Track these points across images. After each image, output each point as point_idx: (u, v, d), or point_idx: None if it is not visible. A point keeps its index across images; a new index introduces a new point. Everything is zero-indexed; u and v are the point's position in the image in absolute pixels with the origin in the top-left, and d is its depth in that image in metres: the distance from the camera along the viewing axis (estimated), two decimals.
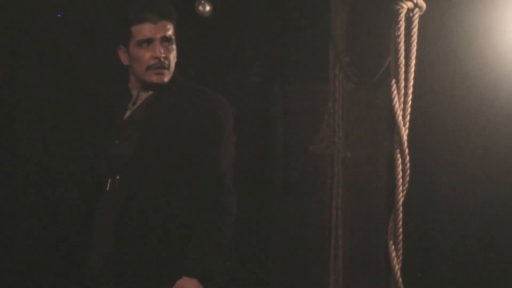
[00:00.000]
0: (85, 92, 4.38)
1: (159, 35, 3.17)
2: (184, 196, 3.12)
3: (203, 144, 3.14)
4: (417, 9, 2.72)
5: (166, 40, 3.19)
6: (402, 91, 2.72)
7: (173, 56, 3.22)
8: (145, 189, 3.12)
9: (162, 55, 3.17)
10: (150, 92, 3.23)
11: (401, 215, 2.72)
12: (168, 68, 3.19)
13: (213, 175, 3.13)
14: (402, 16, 2.70)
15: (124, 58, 3.24)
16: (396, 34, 2.70)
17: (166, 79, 3.19)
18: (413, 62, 2.72)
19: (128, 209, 3.10)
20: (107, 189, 3.15)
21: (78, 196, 3.30)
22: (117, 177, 3.14)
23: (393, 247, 2.74)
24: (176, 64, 3.25)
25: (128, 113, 3.24)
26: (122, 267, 3.08)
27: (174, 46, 3.22)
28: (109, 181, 3.15)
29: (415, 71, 2.73)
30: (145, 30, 3.16)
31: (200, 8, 5.06)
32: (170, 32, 3.20)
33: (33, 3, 4.32)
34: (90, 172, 3.24)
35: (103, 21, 4.26)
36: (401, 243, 2.74)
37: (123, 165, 3.15)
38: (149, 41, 3.16)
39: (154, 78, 3.18)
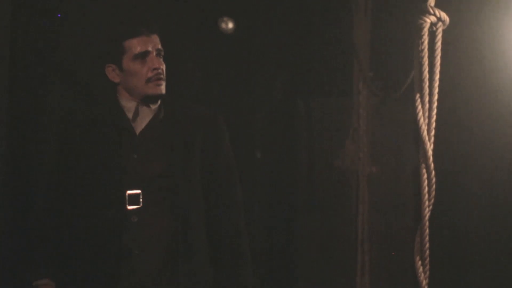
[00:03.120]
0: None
1: (154, 48, 3.22)
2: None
3: (217, 151, 3.29)
4: (440, 23, 2.72)
5: (159, 53, 3.24)
6: (427, 105, 2.72)
7: (164, 68, 3.26)
8: (193, 205, 3.22)
9: (160, 67, 3.22)
10: (152, 106, 3.25)
11: (427, 230, 2.71)
12: (164, 80, 3.25)
13: (230, 176, 3.31)
14: (426, 30, 2.70)
15: (114, 75, 3.25)
16: (420, 48, 2.70)
17: (164, 90, 3.25)
18: (437, 76, 2.71)
19: (182, 228, 3.18)
20: (126, 204, 3.16)
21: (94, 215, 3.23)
22: (140, 192, 3.16)
23: (420, 262, 2.73)
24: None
25: (137, 127, 3.25)
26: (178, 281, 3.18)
27: (162, 60, 3.28)
28: (127, 195, 3.16)
29: (439, 85, 2.72)
30: (141, 43, 3.20)
31: (223, 25, 5.08)
32: (160, 45, 3.26)
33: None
34: (102, 187, 3.21)
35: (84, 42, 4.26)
36: (428, 258, 2.72)
37: (149, 180, 3.17)
38: (145, 54, 3.20)
39: (155, 90, 3.21)
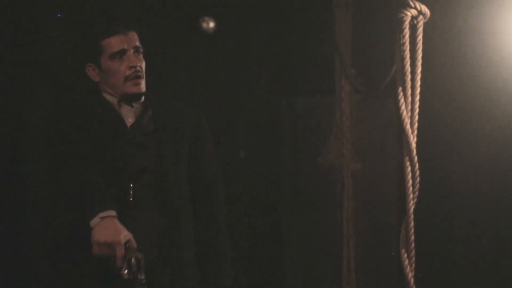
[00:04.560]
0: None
1: (131, 46, 3.22)
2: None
3: (202, 148, 3.32)
4: (421, 16, 2.74)
5: (137, 50, 3.24)
6: (409, 99, 2.73)
7: (144, 66, 3.26)
8: (182, 202, 3.24)
9: (138, 64, 3.22)
10: (135, 104, 3.25)
11: (412, 223, 2.73)
12: (143, 78, 3.25)
13: (213, 173, 3.34)
14: (407, 24, 2.72)
15: (94, 74, 3.25)
16: (401, 42, 2.71)
17: (144, 88, 3.25)
18: (419, 69, 2.73)
19: (172, 224, 3.19)
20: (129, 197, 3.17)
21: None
22: (131, 185, 3.16)
23: (405, 255, 2.74)
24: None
25: (126, 123, 3.25)
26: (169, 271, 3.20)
27: (142, 56, 3.27)
28: (125, 189, 3.16)
29: (421, 78, 2.74)
30: (117, 42, 3.20)
31: (204, 24, 5.08)
32: (138, 42, 3.25)
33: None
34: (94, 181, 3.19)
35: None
36: (413, 251, 2.74)
37: (139, 174, 3.18)
38: (122, 53, 3.20)
39: (134, 89, 3.22)
